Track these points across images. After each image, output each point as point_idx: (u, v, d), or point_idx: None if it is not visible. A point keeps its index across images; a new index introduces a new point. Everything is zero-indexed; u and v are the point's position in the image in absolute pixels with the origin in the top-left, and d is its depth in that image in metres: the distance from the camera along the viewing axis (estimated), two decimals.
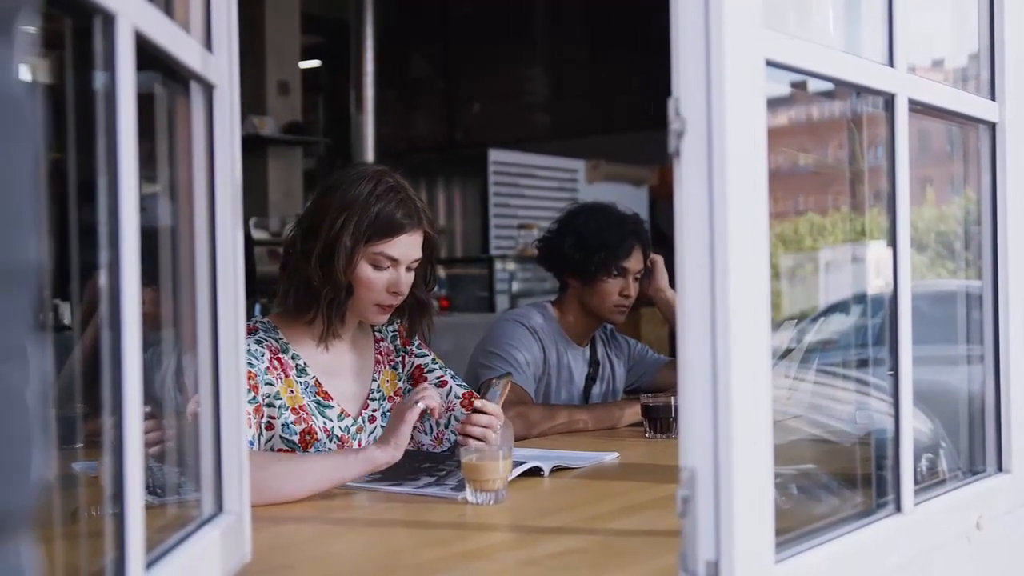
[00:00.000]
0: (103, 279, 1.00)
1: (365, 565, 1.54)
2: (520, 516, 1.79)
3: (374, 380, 2.30)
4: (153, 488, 1.35)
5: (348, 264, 2.12)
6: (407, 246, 2.16)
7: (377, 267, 2.15)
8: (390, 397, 2.31)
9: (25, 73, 0.57)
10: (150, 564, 1.08)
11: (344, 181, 2.16)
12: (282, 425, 2.11)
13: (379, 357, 2.33)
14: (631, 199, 7.20)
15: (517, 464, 2.01)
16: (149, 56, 1.10)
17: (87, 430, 1.64)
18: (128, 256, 1.00)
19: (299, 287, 2.16)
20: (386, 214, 2.13)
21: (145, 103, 1.07)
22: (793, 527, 1.32)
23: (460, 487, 1.88)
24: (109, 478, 1.02)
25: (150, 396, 1.08)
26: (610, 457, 2.31)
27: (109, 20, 0.97)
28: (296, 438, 2.12)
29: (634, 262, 2.96)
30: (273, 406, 2.10)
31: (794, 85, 1.46)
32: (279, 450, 2.10)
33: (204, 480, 1.34)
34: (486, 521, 1.75)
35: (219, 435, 1.35)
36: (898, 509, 1.49)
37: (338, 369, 2.25)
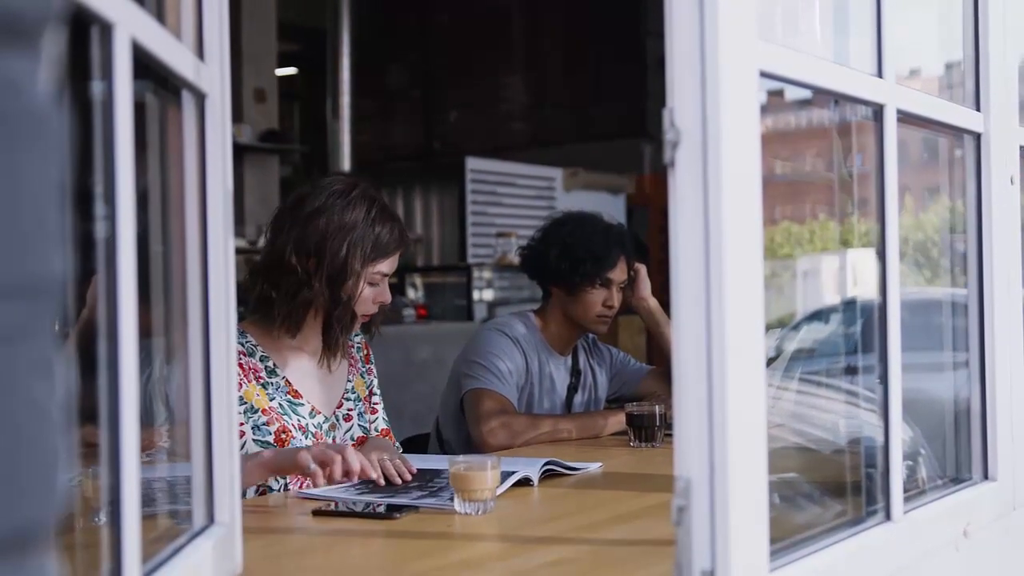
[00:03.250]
0: (100, 289, 0.99)
1: None
2: (509, 526, 1.79)
3: (349, 381, 2.38)
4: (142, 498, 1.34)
5: (356, 287, 2.22)
6: (396, 260, 2.30)
7: (371, 284, 2.26)
8: (364, 399, 2.40)
9: (51, 85, 0.57)
10: None
11: (333, 205, 2.21)
12: (254, 428, 2.16)
13: (352, 360, 2.41)
14: (608, 207, 7.20)
15: (506, 475, 2.00)
16: (142, 64, 1.09)
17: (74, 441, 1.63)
18: (124, 266, 0.99)
19: (301, 307, 2.21)
20: (386, 236, 2.25)
21: (136, 111, 1.06)
22: (786, 536, 1.33)
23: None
24: (104, 489, 1.01)
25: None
26: (594, 467, 2.31)
27: (107, 29, 0.97)
28: (271, 438, 2.17)
29: (618, 273, 2.96)
30: (239, 412, 2.12)
31: (771, 93, 1.47)
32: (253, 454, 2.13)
33: (196, 492, 1.33)
34: (475, 531, 1.74)
35: (210, 447, 1.34)
36: (888, 517, 1.49)
37: (311, 371, 2.30)
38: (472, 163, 7.98)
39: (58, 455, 0.56)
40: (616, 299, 2.97)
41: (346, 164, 8.54)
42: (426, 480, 2.10)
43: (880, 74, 1.50)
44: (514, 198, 8.12)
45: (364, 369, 2.44)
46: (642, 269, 3.08)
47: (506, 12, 9.69)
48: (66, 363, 0.60)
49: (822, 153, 1.92)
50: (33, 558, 0.54)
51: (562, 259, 2.95)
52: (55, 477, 0.56)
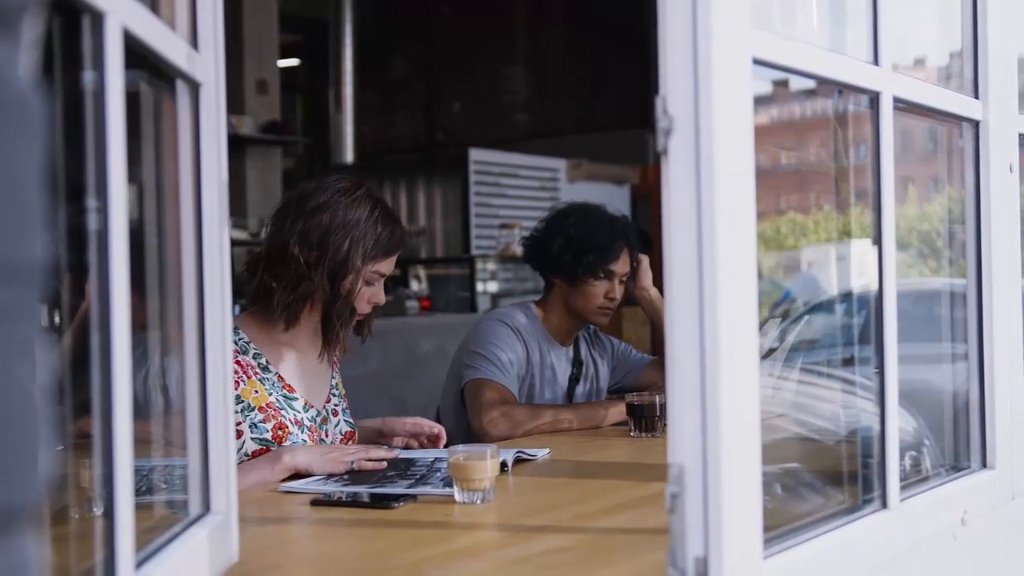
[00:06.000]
0: (92, 281, 0.99)
1: (353, 565, 1.53)
2: (507, 515, 1.79)
3: (333, 378, 2.43)
4: (138, 488, 1.34)
5: (355, 283, 2.25)
6: (393, 262, 2.34)
7: (368, 283, 2.28)
8: (344, 396, 2.45)
9: (30, 70, 0.57)
10: (139, 564, 1.08)
11: (338, 202, 2.25)
12: (251, 426, 2.19)
13: (335, 359, 2.45)
14: (612, 199, 7.20)
15: None
16: (135, 54, 1.09)
17: (71, 431, 1.64)
18: (117, 257, 0.99)
19: (300, 299, 2.24)
20: (387, 237, 2.28)
21: (129, 102, 1.06)
22: (781, 524, 1.33)
23: (449, 483, 1.88)
24: (98, 479, 1.01)
25: (133, 397, 1.07)
26: (541, 453, 2.32)
27: (98, 18, 0.97)
28: (268, 435, 2.19)
29: (621, 265, 2.96)
30: (236, 412, 2.14)
31: (776, 83, 1.47)
32: (253, 452, 2.15)
33: (191, 481, 1.34)
34: (474, 520, 1.75)
35: (206, 436, 1.35)
36: (884, 505, 1.50)
37: (301, 365, 2.34)
38: (475, 154, 7.97)
39: (39, 436, 0.57)
40: (618, 291, 2.97)
41: (349, 156, 8.55)
42: (404, 469, 2.10)
43: (876, 61, 1.49)
44: (517, 189, 8.12)
45: (339, 369, 2.49)
46: (644, 260, 3.08)
47: (509, 3, 9.68)
48: (48, 346, 0.60)
49: (827, 143, 1.92)
50: (13, 538, 0.55)
51: (565, 250, 2.94)
52: (36, 458, 0.56)
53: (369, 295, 2.29)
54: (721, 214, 1.14)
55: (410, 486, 1.94)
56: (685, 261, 1.15)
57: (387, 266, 2.31)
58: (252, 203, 7.38)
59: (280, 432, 2.21)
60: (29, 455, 0.55)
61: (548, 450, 2.37)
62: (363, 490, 1.92)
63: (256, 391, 2.22)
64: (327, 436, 2.34)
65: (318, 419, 2.32)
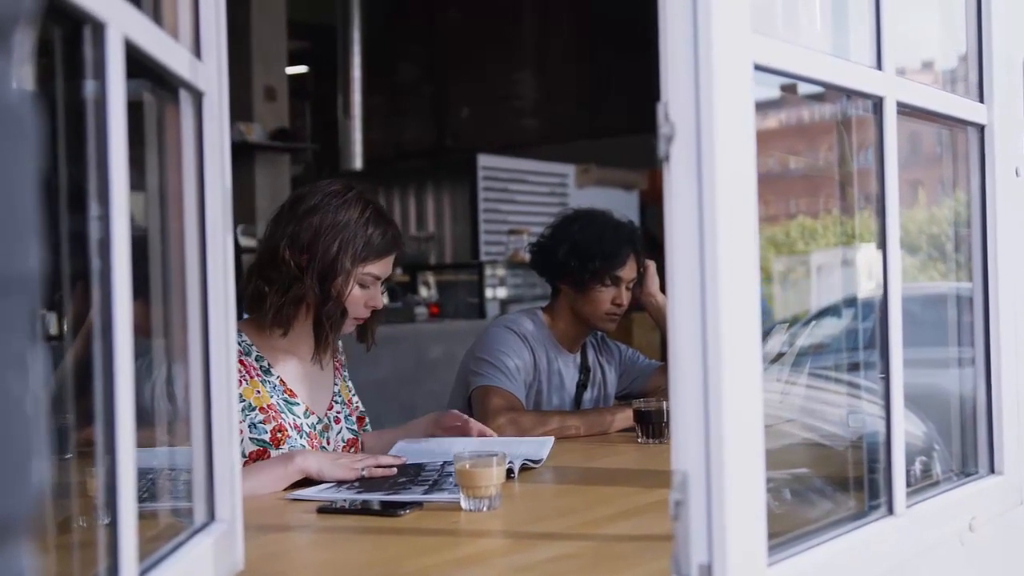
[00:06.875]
0: (95, 289, 0.99)
1: (359, 573, 1.53)
2: (514, 522, 1.79)
3: (335, 384, 2.42)
4: (142, 496, 1.34)
5: (345, 285, 2.24)
6: (389, 265, 2.32)
7: (362, 286, 2.28)
8: (348, 402, 2.45)
9: (24, 82, 0.58)
10: (143, 573, 1.08)
11: (328, 204, 2.26)
12: (250, 426, 2.19)
13: (337, 365, 2.45)
14: (621, 203, 7.20)
15: None
16: (137, 63, 1.09)
17: (78, 440, 1.64)
18: (119, 266, 1.00)
19: (292, 302, 2.24)
20: (378, 238, 2.27)
21: (133, 111, 1.07)
22: (786, 530, 1.32)
23: (458, 490, 1.87)
24: (101, 488, 1.02)
25: (140, 406, 1.08)
26: (546, 448, 2.32)
27: (99, 28, 0.97)
28: (267, 436, 2.20)
29: (628, 271, 2.96)
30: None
31: (784, 88, 1.46)
32: (251, 452, 2.15)
33: (196, 489, 1.34)
34: (480, 527, 1.74)
35: (211, 444, 1.35)
36: (890, 511, 1.49)
37: (302, 372, 2.34)
38: (484, 160, 7.98)
39: (32, 449, 0.57)
40: (625, 297, 2.97)
41: (357, 162, 8.56)
42: (414, 475, 2.10)
43: (879, 66, 1.49)
44: (526, 195, 8.12)
45: (345, 374, 2.49)
46: (651, 265, 3.07)
47: (516, 7, 9.68)
48: (44, 357, 0.60)
49: (836, 147, 1.92)
50: (9, 548, 0.55)
51: (571, 256, 2.94)
52: (29, 471, 0.56)
53: (365, 298, 2.28)
54: (723, 220, 1.14)
55: (424, 492, 1.94)
56: (687, 267, 1.15)
57: (380, 268, 2.29)
58: (261, 210, 7.37)
59: (279, 435, 2.21)
60: (20, 468, 0.55)
61: (551, 439, 2.37)
62: (376, 497, 1.92)
63: (258, 391, 2.22)
64: (328, 444, 2.34)
65: (319, 426, 2.32)
